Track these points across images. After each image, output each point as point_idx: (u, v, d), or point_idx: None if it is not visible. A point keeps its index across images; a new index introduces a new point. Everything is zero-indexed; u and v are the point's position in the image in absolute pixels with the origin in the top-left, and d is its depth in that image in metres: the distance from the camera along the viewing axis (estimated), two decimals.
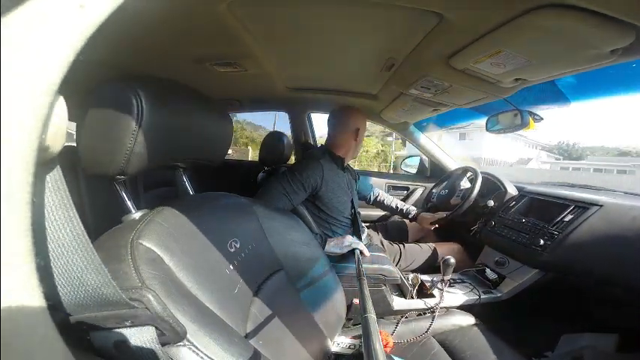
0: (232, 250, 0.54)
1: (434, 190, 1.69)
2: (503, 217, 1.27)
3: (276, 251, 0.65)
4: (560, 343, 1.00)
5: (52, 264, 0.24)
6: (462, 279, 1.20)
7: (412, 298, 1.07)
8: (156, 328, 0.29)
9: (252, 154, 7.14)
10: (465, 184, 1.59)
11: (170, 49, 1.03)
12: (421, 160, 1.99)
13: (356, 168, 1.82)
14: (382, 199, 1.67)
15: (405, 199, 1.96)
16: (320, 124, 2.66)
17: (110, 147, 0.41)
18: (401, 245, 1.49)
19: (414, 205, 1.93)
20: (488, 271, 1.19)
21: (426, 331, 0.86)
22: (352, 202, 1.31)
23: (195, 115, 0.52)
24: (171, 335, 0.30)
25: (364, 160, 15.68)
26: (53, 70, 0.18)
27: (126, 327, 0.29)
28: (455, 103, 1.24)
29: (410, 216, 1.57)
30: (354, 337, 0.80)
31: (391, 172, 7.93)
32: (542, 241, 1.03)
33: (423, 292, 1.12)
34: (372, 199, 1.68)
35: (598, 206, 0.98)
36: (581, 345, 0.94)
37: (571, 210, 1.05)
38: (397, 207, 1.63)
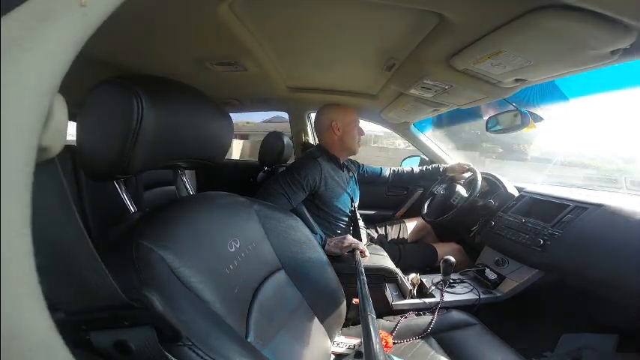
0: (232, 250, 0.54)
1: (433, 190, 1.68)
2: (503, 217, 1.27)
3: (276, 251, 0.65)
4: (560, 343, 1.00)
5: (51, 264, 0.24)
6: (461, 279, 1.20)
7: (412, 298, 1.07)
8: (155, 327, 0.29)
9: None
10: (461, 186, 1.59)
11: (170, 49, 1.03)
12: (421, 160, 1.99)
13: None
14: (400, 171, 1.64)
15: (404, 200, 1.96)
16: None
17: (110, 147, 0.41)
18: (401, 245, 1.49)
19: (414, 206, 1.93)
20: (488, 271, 1.19)
21: (426, 331, 0.86)
22: (352, 200, 1.31)
23: (195, 114, 0.52)
24: (171, 335, 0.30)
25: None
26: (53, 69, 0.18)
27: (125, 327, 0.29)
28: (455, 104, 1.24)
29: (440, 170, 1.59)
30: (354, 337, 0.80)
31: None
32: (541, 241, 1.03)
33: (423, 292, 1.12)
34: (389, 176, 1.63)
35: (598, 206, 0.98)
36: (581, 345, 0.94)
37: (571, 210, 1.05)
38: (420, 171, 1.63)
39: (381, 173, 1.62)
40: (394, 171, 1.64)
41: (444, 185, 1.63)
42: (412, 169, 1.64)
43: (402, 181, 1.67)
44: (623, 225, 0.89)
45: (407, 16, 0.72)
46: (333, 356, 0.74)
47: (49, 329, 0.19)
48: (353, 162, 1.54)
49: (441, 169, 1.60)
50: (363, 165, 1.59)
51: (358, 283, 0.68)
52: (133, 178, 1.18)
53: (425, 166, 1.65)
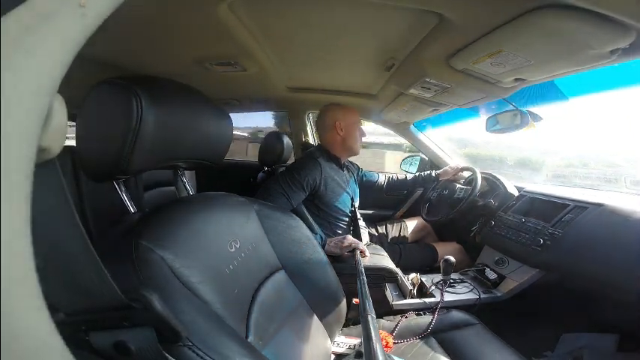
0: (232, 250, 0.54)
1: (429, 196, 1.68)
2: (503, 216, 1.27)
3: (276, 251, 0.65)
4: (560, 343, 1.00)
5: (51, 264, 0.24)
6: (461, 279, 1.20)
7: (412, 298, 1.07)
8: (155, 328, 0.29)
9: None
10: (460, 185, 1.59)
11: (170, 49, 1.03)
12: (422, 159, 1.99)
13: None
14: (394, 178, 1.68)
15: (404, 200, 1.96)
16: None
17: (109, 147, 0.41)
18: (401, 245, 1.49)
19: (414, 206, 1.93)
20: (488, 270, 1.19)
21: (426, 331, 0.86)
22: (352, 200, 1.31)
23: (194, 115, 0.52)
24: (171, 335, 0.30)
25: None
26: (53, 70, 0.18)
27: (125, 327, 0.29)
28: (454, 103, 1.24)
29: (433, 176, 1.62)
30: (354, 337, 0.80)
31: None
32: (541, 241, 1.03)
33: (423, 292, 1.12)
34: (384, 183, 1.66)
35: (598, 206, 0.98)
36: (581, 345, 0.94)
37: (571, 209, 1.05)
38: (412, 178, 1.65)
39: (377, 180, 1.65)
40: (389, 178, 1.68)
41: (438, 190, 1.64)
42: (405, 177, 1.68)
43: (395, 188, 1.70)
44: (623, 224, 0.89)
45: (407, 16, 0.72)
46: (333, 356, 0.74)
47: (48, 330, 0.19)
48: (352, 164, 1.55)
49: (433, 175, 1.61)
50: (361, 169, 1.60)
51: (358, 283, 0.68)
52: (132, 178, 1.18)
53: (418, 173, 1.68)
